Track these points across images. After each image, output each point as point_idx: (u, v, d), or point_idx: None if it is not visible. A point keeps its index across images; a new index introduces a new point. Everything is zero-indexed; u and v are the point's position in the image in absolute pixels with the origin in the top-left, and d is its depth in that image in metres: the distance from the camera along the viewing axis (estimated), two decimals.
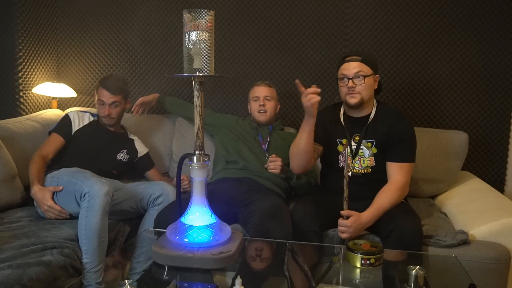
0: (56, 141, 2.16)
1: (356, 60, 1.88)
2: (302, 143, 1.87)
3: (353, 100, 1.89)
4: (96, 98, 2.25)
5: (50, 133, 2.21)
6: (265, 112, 2.26)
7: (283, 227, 1.74)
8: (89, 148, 2.19)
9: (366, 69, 1.88)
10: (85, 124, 2.25)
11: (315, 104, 1.76)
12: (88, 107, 2.88)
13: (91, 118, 2.29)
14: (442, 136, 2.34)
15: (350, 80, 1.88)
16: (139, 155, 2.39)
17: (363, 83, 1.87)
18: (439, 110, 2.58)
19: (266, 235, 1.68)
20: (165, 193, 2.04)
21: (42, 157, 2.07)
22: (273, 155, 2.14)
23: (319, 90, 1.77)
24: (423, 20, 2.52)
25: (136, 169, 2.41)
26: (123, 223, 2.05)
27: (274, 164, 2.11)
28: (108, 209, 1.79)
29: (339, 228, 1.74)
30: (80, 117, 2.26)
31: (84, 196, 1.78)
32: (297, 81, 1.82)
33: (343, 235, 1.73)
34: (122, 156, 2.30)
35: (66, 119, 2.24)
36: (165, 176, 2.54)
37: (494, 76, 2.49)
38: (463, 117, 2.56)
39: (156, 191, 2.05)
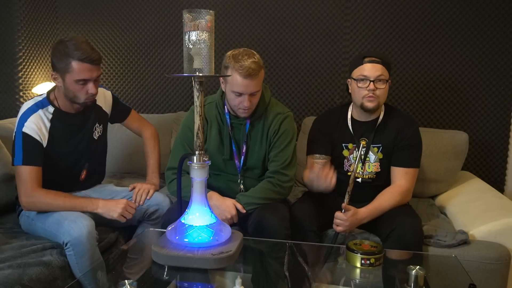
0: (35, 174, 1.67)
1: (378, 62, 1.79)
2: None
3: (371, 104, 1.81)
4: (69, 79, 1.63)
5: (14, 163, 1.67)
6: (250, 108, 1.78)
7: (280, 216, 1.73)
8: (65, 156, 1.80)
9: (386, 74, 1.81)
10: (48, 128, 1.70)
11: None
12: None
13: (48, 115, 1.72)
14: (442, 136, 2.34)
15: (372, 83, 1.78)
16: (108, 113, 1.95)
17: (383, 87, 1.80)
18: (439, 110, 2.58)
19: (262, 225, 1.68)
20: (161, 209, 1.88)
21: (40, 187, 1.68)
22: None
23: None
24: (423, 20, 2.52)
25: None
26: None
27: None
28: (96, 242, 1.65)
29: (335, 220, 1.74)
30: (38, 122, 1.68)
31: (66, 245, 1.61)
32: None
33: (338, 228, 1.73)
34: (98, 132, 1.87)
35: (30, 141, 1.65)
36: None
37: (494, 76, 2.49)
38: (463, 117, 2.56)
39: (151, 206, 1.88)
